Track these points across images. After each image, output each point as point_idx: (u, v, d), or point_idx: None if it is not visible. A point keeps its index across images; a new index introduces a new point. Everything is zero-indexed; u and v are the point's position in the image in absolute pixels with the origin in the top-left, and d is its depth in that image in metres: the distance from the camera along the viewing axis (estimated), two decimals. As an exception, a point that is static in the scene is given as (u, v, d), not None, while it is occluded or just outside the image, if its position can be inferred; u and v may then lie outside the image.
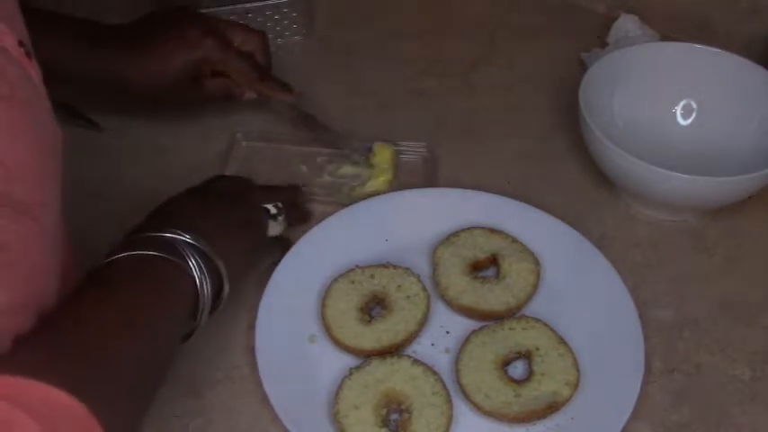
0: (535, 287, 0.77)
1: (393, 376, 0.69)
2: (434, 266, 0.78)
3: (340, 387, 0.69)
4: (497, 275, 0.78)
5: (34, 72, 0.53)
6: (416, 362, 0.71)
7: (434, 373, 0.70)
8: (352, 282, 0.76)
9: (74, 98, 0.91)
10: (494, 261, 0.79)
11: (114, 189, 0.87)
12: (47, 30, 0.78)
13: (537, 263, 0.78)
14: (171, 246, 0.64)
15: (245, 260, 0.73)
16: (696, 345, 0.76)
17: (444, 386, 0.69)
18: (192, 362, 0.74)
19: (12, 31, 0.50)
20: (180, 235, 0.64)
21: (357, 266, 0.77)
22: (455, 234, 0.80)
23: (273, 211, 0.77)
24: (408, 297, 0.75)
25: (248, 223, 0.74)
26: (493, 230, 0.80)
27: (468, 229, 0.80)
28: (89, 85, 0.87)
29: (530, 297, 0.76)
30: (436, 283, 0.77)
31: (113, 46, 0.85)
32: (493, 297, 0.76)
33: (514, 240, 0.80)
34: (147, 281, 0.63)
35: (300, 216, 0.83)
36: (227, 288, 0.67)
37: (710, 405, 0.72)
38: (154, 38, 0.85)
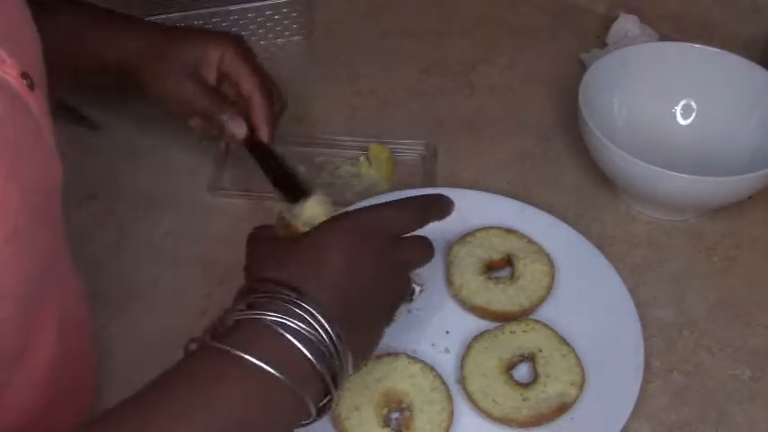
0: (549, 289, 0.76)
1: (391, 375, 0.69)
2: (448, 265, 0.78)
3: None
4: (512, 276, 0.78)
5: (36, 105, 0.51)
6: (413, 359, 0.71)
7: (432, 369, 0.70)
8: None
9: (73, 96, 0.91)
10: (509, 262, 0.79)
11: (113, 189, 0.87)
12: (68, 11, 0.79)
13: (551, 265, 0.78)
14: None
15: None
16: (696, 345, 0.76)
17: (443, 382, 0.69)
18: (192, 362, 0.74)
19: (15, 61, 0.49)
20: (323, 336, 0.54)
21: None
22: (471, 234, 0.80)
23: (417, 289, 0.67)
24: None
25: (391, 309, 0.64)
26: (509, 231, 0.80)
27: (484, 228, 0.80)
28: (96, 73, 0.83)
29: (543, 299, 0.76)
30: (450, 283, 0.77)
31: (136, 31, 0.82)
32: (506, 298, 0.76)
33: (530, 241, 0.80)
34: (251, 399, 0.52)
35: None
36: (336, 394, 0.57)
37: (710, 405, 0.72)
38: (183, 30, 0.84)
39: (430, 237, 0.80)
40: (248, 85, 0.81)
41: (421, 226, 0.65)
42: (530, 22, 1.08)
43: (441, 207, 0.68)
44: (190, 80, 0.80)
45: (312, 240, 0.60)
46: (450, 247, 0.79)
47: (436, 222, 0.81)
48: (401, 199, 0.65)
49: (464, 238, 0.80)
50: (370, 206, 0.64)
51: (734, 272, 0.82)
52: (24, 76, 0.49)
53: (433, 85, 1.00)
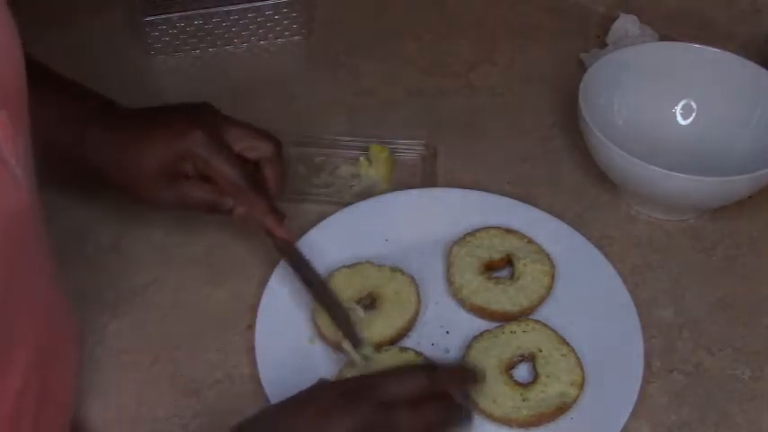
0: (549, 289, 0.76)
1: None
2: (448, 265, 0.78)
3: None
4: (512, 276, 0.78)
5: None
6: (405, 350, 0.71)
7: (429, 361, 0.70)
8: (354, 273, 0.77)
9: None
10: (509, 262, 0.79)
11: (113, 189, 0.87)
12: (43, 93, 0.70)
13: (551, 265, 0.78)
14: None
15: None
16: (696, 345, 0.76)
17: None
18: (192, 362, 0.74)
19: None
20: None
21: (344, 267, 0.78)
22: (471, 234, 0.80)
23: None
24: (399, 295, 0.75)
25: None
26: (509, 231, 0.80)
27: (484, 228, 0.80)
28: (61, 161, 0.74)
29: (543, 299, 0.76)
30: (450, 283, 0.77)
31: (99, 126, 0.74)
32: (506, 298, 0.76)
33: (530, 241, 0.79)
34: None
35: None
36: None
37: (710, 405, 0.72)
38: (142, 124, 0.74)
39: (430, 237, 0.81)
40: (230, 187, 0.74)
41: (430, 389, 0.61)
42: (530, 22, 1.08)
43: (462, 372, 0.65)
44: (170, 184, 0.74)
45: (287, 410, 0.60)
46: (450, 247, 0.79)
47: (437, 222, 0.82)
48: (404, 365, 0.63)
49: (464, 238, 0.80)
50: (363, 375, 0.62)
51: (734, 272, 0.82)
52: None
53: (433, 85, 1.00)
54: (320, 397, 0.60)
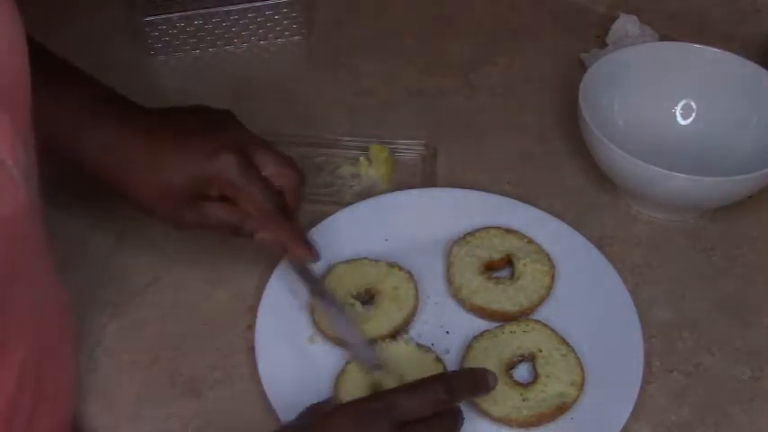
0: (549, 289, 0.76)
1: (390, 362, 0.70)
2: (448, 266, 0.78)
3: (337, 382, 0.69)
4: (512, 276, 0.78)
5: None
6: (408, 340, 0.72)
7: (432, 352, 0.71)
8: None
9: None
10: (509, 262, 0.79)
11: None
12: (59, 93, 0.71)
13: (551, 265, 0.78)
14: None
15: None
16: (696, 345, 0.76)
17: (445, 367, 0.70)
18: (192, 362, 0.74)
19: None
20: None
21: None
22: (471, 233, 0.80)
23: None
24: (397, 290, 0.75)
25: None
26: (509, 231, 0.80)
27: (484, 228, 0.80)
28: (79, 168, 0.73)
29: (543, 299, 0.76)
30: (450, 283, 0.77)
31: (116, 131, 0.72)
32: (506, 298, 0.76)
33: (530, 241, 0.79)
34: None
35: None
36: None
37: (710, 405, 0.72)
38: (166, 137, 0.72)
39: (430, 237, 0.81)
40: (258, 212, 0.72)
41: (446, 406, 0.61)
42: (530, 22, 1.08)
43: (475, 381, 0.64)
44: (191, 206, 0.72)
45: None
46: (450, 247, 0.79)
47: (437, 222, 0.82)
48: (420, 380, 0.62)
49: (464, 238, 0.80)
50: (381, 393, 0.62)
51: (734, 272, 0.82)
52: None
53: (433, 85, 1.00)
54: (337, 422, 0.60)
